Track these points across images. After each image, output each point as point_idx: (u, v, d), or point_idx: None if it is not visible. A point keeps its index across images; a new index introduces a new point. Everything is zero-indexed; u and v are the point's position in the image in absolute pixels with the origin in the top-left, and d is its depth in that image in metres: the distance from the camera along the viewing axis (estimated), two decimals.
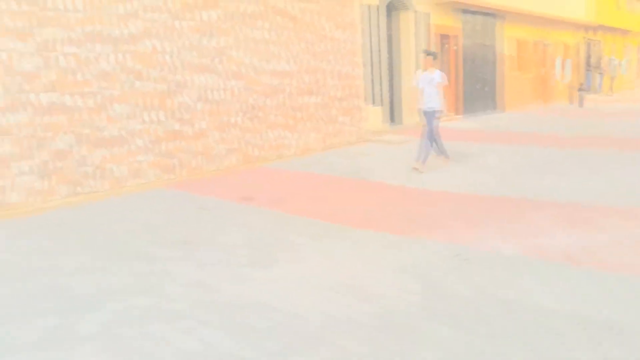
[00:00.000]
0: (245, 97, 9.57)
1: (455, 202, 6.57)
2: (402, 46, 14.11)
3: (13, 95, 6.63)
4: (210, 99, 8.99)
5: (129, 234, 5.64)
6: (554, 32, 21.59)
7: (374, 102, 12.83)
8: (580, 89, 20.98)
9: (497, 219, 5.75)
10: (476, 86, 17.06)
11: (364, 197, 7.08)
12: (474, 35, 16.61)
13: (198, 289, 4.16)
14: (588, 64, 24.81)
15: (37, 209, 6.77)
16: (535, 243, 4.93)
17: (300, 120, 10.79)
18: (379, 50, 12.78)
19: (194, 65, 8.67)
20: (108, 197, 7.38)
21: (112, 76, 7.59)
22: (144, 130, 8.04)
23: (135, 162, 7.96)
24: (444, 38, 15.38)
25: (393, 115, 14.06)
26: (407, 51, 14.12)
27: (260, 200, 7.02)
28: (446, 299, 3.79)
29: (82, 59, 7.27)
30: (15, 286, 4.35)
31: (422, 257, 4.66)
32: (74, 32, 7.16)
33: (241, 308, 3.78)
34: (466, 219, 5.78)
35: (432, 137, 8.84)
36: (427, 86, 8.76)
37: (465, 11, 15.98)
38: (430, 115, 8.78)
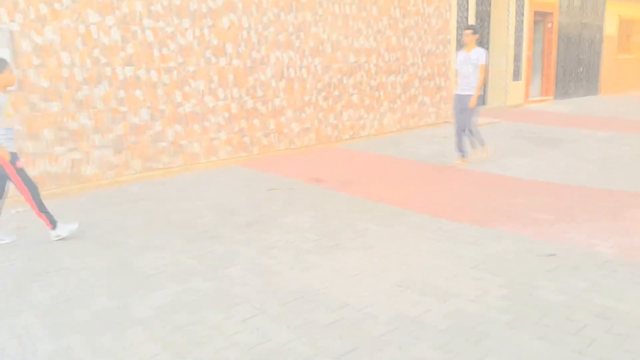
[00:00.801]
0: (322, 75, 9.26)
1: (545, 192, 5.93)
2: (492, 22, 13.18)
3: (92, 68, 6.72)
4: (287, 76, 8.76)
5: (196, 212, 5.54)
6: None
7: None
8: None
9: (594, 214, 5.09)
10: (570, 67, 15.72)
11: (441, 183, 6.58)
12: (571, 12, 15.25)
13: (260, 274, 3.93)
14: None
15: (111, 183, 6.87)
16: (638, 243, 4.28)
17: (378, 99, 10.34)
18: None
19: (271, 41, 8.46)
20: (181, 174, 7.38)
21: (189, 51, 7.52)
22: (218, 107, 7.95)
23: (209, 139, 7.91)
24: (538, 15, 14.21)
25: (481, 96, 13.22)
26: (498, 27, 13.17)
27: (330, 182, 6.72)
28: (532, 303, 3.31)
29: (161, 33, 7.24)
30: (77, 262, 4.34)
31: (505, 253, 4.16)
32: (154, 5, 7.13)
33: (303, 298, 3.51)
34: (558, 212, 5.16)
35: (463, 127, 7.56)
36: (463, 67, 7.38)
37: None
38: (464, 101, 7.39)
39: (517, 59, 13.58)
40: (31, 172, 6.32)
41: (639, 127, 10.73)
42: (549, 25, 14.56)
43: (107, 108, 6.86)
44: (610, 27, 16.82)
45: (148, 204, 5.92)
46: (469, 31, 7.38)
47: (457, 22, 11.71)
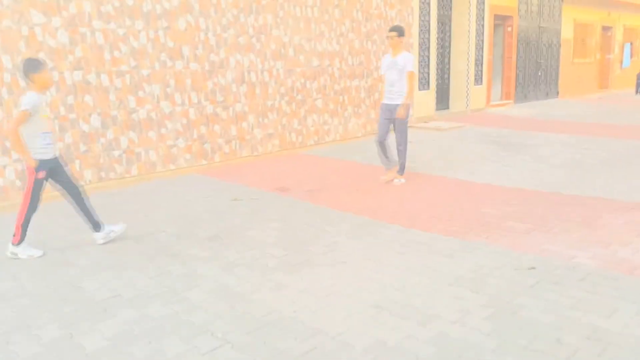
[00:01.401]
0: (285, 79, 8.96)
1: (518, 200, 5.80)
2: (453, 26, 13.18)
3: None
4: (248, 80, 8.42)
5: (154, 226, 5.14)
6: (615, 14, 20.05)
7: (421, 87, 12.00)
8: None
9: (568, 222, 4.97)
10: (529, 71, 15.93)
11: (411, 191, 6.38)
12: (529, 16, 15.46)
13: (224, 297, 3.60)
14: None
15: (58, 196, 6.36)
16: (618, 254, 4.15)
17: (342, 104, 10.11)
18: (429, 31, 11.90)
19: (231, 44, 8.10)
20: (136, 184, 6.93)
21: (143, 54, 7.09)
22: (175, 112, 7.54)
23: (166, 146, 7.48)
24: (498, 19, 14.32)
25: (440, 100, 13.18)
26: (459, 32, 13.18)
27: (297, 191, 6.42)
28: (518, 325, 3.10)
29: (112, 35, 6.79)
30: (18, 287, 3.89)
31: (483, 267, 3.96)
32: (104, 6, 6.68)
33: (272, 325, 3.20)
34: (533, 221, 5.02)
35: (405, 142, 6.73)
36: (388, 73, 6.57)
37: None
38: (392, 111, 6.57)
39: (478, 63, 13.64)
40: None
41: (600, 131, 10.87)
42: (509, 29, 14.71)
43: (55, 115, 6.37)
44: (566, 31, 17.15)
45: (102, 218, 5.46)
46: (394, 33, 6.52)
47: (420, 26, 11.62)
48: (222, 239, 4.77)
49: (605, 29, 19.67)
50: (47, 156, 4.45)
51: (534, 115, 13.46)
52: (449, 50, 13.25)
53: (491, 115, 13.40)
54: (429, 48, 12.00)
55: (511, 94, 15.18)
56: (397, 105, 6.51)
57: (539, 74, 16.22)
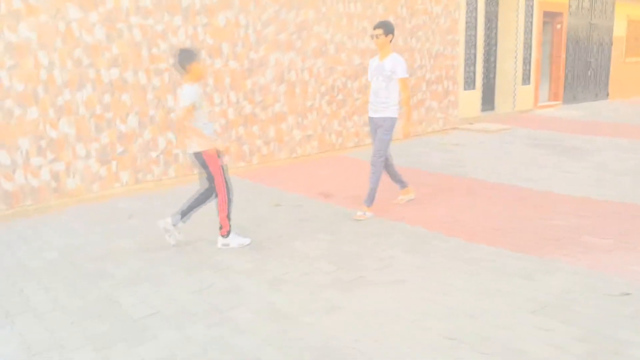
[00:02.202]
0: (325, 78, 8.56)
1: (587, 211, 5.26)
2: (500, 23, 12.56)
3: (74, 71, 5.97)
4: (287, 79, 8.05)
5: (194, 233, 4.80)
6: None
7: (467, 86, 11.45)
8: None
9: None
10: (579, 71, 15.14)
11: (464, 197, 5.89)
12: (580, 12, 14.68)
13: (273, 318, 3.21)
14: None
15: (97, 197, 6.11)
16: None
17: None
18: (476, 27, 11.33)
19: (271, 41, 7.75)
20: (173, 187, 6.63)
21: None
22: (214, 112, 7.22)
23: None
24: (547, 16, 13.62)
25: (486, 101, 12.57)
26: (507, 29, 12.55)
27: (340, 196, 6.01)
28: None
29: (150, 31, 6.51)
30: (49, 300, 3.59)
31: (568, 292, 3.46)
32: (142, 0, 6.40)
33: (331, 356, 2.79)
34: (612, 237, 4.48)
35: (379, 162, 5.28)
36: (374, 80, 5.32)
37: None
38: (379, 126, 5.28)
39: (525, 62, 12.98)
40: (7, 186, 5.56)
41: None
42: (558, 26, 13.98)
43: (91, 114, 6.12)
44: (619, 29, 16.28)
45: (139, 223, 5.17)
46: (379, 30, 5.20)
47: (466, 22, 11.06)
48: (265, 250, 4.39)
49: None
50: (213, 136, 4.46)
51: (585, 118, 12.72)
52: (495, 49, 12.63)
53: (539, 117, 12.72)
54: (475, 45, 11.43)
55: (560, 94, 14.44)
56: (382, 118, 5.23)
57: (589, 74, 15.41)
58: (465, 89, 11.35)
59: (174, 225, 4.48)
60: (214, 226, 5.05)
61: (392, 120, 5.25)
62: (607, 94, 16.41)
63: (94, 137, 6.17)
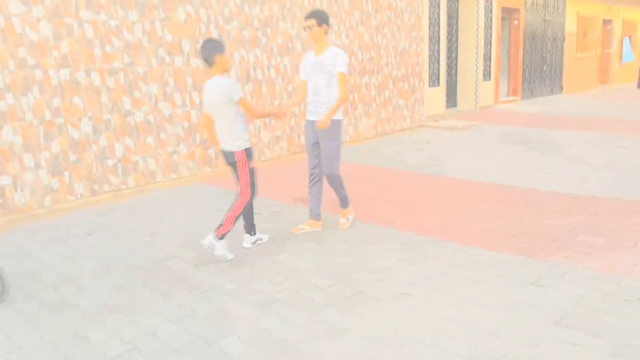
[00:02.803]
0: (292, 76, 8.17)
1: (576, 208, 5.09)
2: (460, 19, 12.50)
3: (17, 72, 5.34)
4: (253, 77, 7.61)
5: (163, 249, 4.31)
6: (614, 7, 19.60)
7: (432, 83, 11.30)
8: None
9: None
10: (535, 66, 15.35)
11: (448, 198, 5.64)
12: (535, 8, 14.86)
13: (270, 348, 2.80)
14: None
15: (49, 212, 5.50)
16: None
17: (352, 102, 9.35)
18: (439, 24, 11.20)
19: (235, 38, 7.29)
20: (134, 197, 6.08)
21: (138, 49, 6.25)
22: (176, 115, 6.70)
23: (166, 153, 6.64)
24: (504, 11, 13.69)
25: (449, 97, 12.49)
26: (467, 25, 12.51)
27: None
28: None
29: (103, 28, 5.94)
30: (11, 338, 3.05)
31: (583, 298, 3.22)
32: None
33: None
34: (608, 234, 4.30)
35: (335, 176, 4.63)
36: (312, 77, 4.52)
37: None
38: (322, 131, 4.47)
39: (486, 58, 12.98)
40: None
41: (624, 128, 10.26)
42: (515, 22, 14.09)
43: (39, 120, 5.50)
44: (570, 25, 16.61)
45: (100, 241, 4.63)
46: (311, 21, 4.38)
47: (429, 18, 10.91)
48: (248, 265, 3.97)
49: (606, 22, 19.22)
50: (249, 143, 4.19)
51: (546, 112, 12.84)
52: (456, 45, 12.56)
53: (502, 113, 12.74)
54: (438, 42, 11.30)
55: (518, 90, 14.57)
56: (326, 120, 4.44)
57: (545, 69, 15.64)
58: (430, 86, 11.19)
59: (253, 244, 4.40)
60: (187, 241, 4.57)
61: (338, 123, 4.49)
62: (562, 88, 16.72)
63: (44, 146, 5.56)
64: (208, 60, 3.96)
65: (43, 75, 5.51)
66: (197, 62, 6.85)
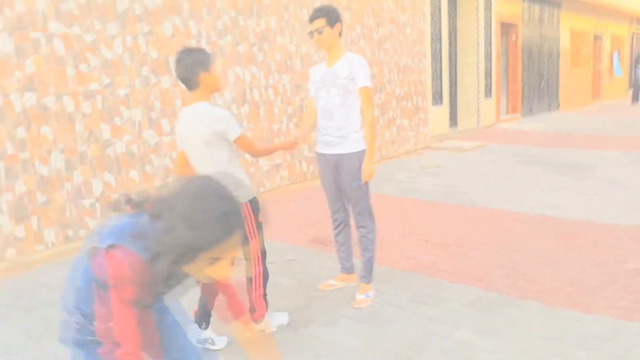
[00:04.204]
0: (292, 97, 7.30)
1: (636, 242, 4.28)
2: (460, 35, 11.85)
3: None
4: (250, 99, 6.71)
5: None
6: (604, 23, 19.34)
7: (435, 102, 10.56)
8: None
9: None
10: (533, 82, 14.81)
11: (494, 235, 4.78)
12: (532, 24, 14.37)
13: None
14: (637, 59, 22.61)
15: (12, 267, 4.46)
16: None
17: None
18: (440, 39, 10.51)
19: (229, 54, 6.40)
20: None
21: (119, 68, 5.31)
22: (163, 144, 5.75)
23: (153, 189, 5.65)
24: (502, 27, 13.13)
25: (450, 117, 11.77)
26: (466, 40, 11.86)
27: None
28: None
29: (76, 43, 4.99)
30: None
31: None
32: (63, 3, 4.89)
33: None
34: None
35: (369, 223, 3.57)
36: (326, 94, 3.43)
37: None
38: (339, 168, 3.47)
39: (487, 75, 12.35)
40: None
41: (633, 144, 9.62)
42: (513, 37, 13.54)
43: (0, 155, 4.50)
44: (564, 40, 16.19)
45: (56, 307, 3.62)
46: (320, 21, 3.32)
47: (431, 33, 10.21)
48: (276, 341, 3.01)
49: (596, 37, 18.94)
50: (252, 190, 3.10)
51: (552, 130, 12.20)
52: (455, 62, 11.90)
53: (507, 132, 12.06)
54: (441, 58, 10.59)
55: (518, 107, 13.96)
56: (344, 156, 3.39)
57: (542, 85, 15.11)
58: (433, 105, 10.45)
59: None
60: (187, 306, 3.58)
61: (362, 155, 3.40)
62: (558, 105, 16.23)
63: (5, 186, 4.54)
64: (188, 81, 2.75)
65: (3, 100, 4.52)
66: None
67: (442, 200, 6.17)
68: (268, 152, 3.34)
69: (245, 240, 2.90)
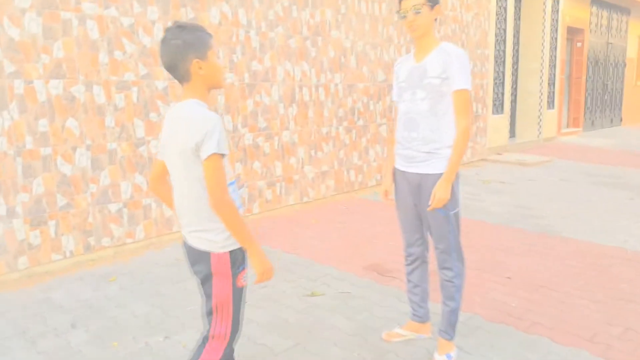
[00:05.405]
0: (344, 98, 6.59)
1: None
2: (523, 39, 10.93)
3: None
4: (299, 98, 6.04)
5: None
6: None
7: (495, 110, 9.69)
8: None
9: None
10: (597, 94, 13.72)
11: (579, 275, 3.97)
12: (599, 30, 13.30)
13: None
14: None
15: (26, 277, 3.88)
16: None
17: None
18: (505, 41, 9.63)
19: (279, 48, 5.74)
20: (141, 254, 4.46)
21: (157, 57, 4.70)
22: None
23: None
24: (569, 32, 12.13)
25: (511, 127, 10.86)
26: (530, 45, 10.93)
27: (402, 270, 3.97)
28: None
29: (111, 26, 4.40)
30: None
31: None
32: None
33: None
34: None
35: (457, 264, 2.77)
36: (411, 96, 2.70)
37: (594, 1, 12.68)
38: (421, 188, 2.72)
39: (550, 83, 11.37)
40: None
41: None
42: (579, 44, 12.50)
43: (17, 150, 3.93)
44: (631, 49, 15.01)
45: (87, 338, 2.99)
46: (430, 4, 2.61)
47: (496, 35, 9.34)
48: None
49: None
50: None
51: (620, 147, 11.14)
52: (517, 67, 10.97)
53: (570, 146, 11.07)
54: (504, 63, 9.72)
55: (579, 120, 12.91)
56: (430, 176, 2.67)
57: (606, 97, 14.00)
58: (493, 114, 9.58)
59: None
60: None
61: (456, 179, 2.71)
62: (621, 120, 15.06)
63: (21, 185, 3.97)
64: (175, 70, 1.93)
65: (25, 87, 3.96)
66: (231, 78, 5.30)
67: (516, 224, 5.35)
68: (235, 220, 1.89)
69: (209, 313, 1.99)
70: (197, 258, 1.97)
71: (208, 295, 1.98)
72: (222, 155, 1.84)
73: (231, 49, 5.28)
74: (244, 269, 1.98)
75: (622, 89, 14.83)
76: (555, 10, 11.11)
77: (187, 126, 1.86)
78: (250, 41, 5.44)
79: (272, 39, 5.65)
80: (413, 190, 2.77)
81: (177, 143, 1.90)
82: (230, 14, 5.26)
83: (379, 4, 6.89)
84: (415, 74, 2.69)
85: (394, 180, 2.91)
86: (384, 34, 7.04)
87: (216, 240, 1.92)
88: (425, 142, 2.66)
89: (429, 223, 2.77)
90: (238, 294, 1.97)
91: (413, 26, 2.62)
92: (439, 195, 2.61)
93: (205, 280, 1.97)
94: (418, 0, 2.58)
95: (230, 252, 1.93)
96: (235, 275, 1.95)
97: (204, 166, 1.85)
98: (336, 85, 6.46)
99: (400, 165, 2.81)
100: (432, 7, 2.62)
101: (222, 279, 1.94)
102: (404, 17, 2.64)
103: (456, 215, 2.73)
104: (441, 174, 2.65)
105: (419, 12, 2.59)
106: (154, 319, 3.26)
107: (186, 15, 4.89)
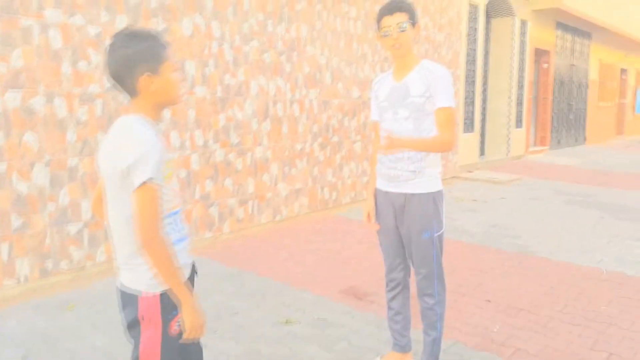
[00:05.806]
0: (319, 114, 6.46)
1: None
2: (492, 59, 11.07)
3: None
4: (273, 114, 5.87)
5: None
6: (630, 56, 18.66)
7: (466, 129, 9.74)
8: None
9: None
10: (562, 113, 14.03)
11: (558, 298, 3.91)
12: (563, 52, 13.64)
13: None
14: None
15: None
16: None
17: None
18: (475, 61, 9.72)
19: (253, 62, 5.57)
20: (101, 278, 4.17)
21: None
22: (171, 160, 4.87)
23: None
24: (536, 53, 12.38)
25: (480, 145, 10.95)
26: (499, 65, 11.08)
27: (379, 294, 3.82)
28: None
29: (77, 35, 4.16)
30: None
31: None
32: None
33: None
34: None
35: (439, 290, 2.69)
36: (393, 116, 2.61)
37: (558, 25, 13.01)
38: (400, 210, 2.63)
39: (518, 103, 11.55)
40: None
41: None
42: (545, 65, 12.77)
43: None
44: (593, 72, 15.47)
45: (55, 358, 2.72)
46: (402, 15, 2.48)
47: (467, 55, 9.42)
48: None
49: (622, 71, 18.24)
50: (186, 264, 1.79)
51: (586, 165, 11.36)
52: (486, 87, 11.10)
53: (538, 165, 11.21)
54: (474, 82, 9.79)
55: (546, 139, 13.14)
56: (414, 196, 2.57)
57: (571, 117, 14.33)
58: (464, 132, 9.62)
59: None
60: None
61: (438, 196, 2.62)
62: (585, 139, 15.44)
63: None
64: (122, 82, 1.68)
65: None
66: (202, 92, 5.10)
67: (492, 244, 5.29)
68: (167, 264, 1.61)
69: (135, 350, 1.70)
70: (126, 300, 1.69)
71: (135, 344, 1.70)
72: (158, 185, 1.59)
73: (203, 61, 5.09)
74: (177, 314, 1.67)
75: (585, 109, 15.22)
76: (523, 32, 11.32)
77: (120, 145, 1.62)
78: (223, 54, 5.26)
79: (246, 52, 5.49)
80: (396, 212, 2.64)
81: (108, 163, 1.65)
82: (204, 25, 5.08)
83: (354, 21, 6.83)
84: (395, 94, 2.60)
85: (376, 201, 2.77)
86: (358, 51, 6.97)
87: (144, 280, 1.65)
88: (412, 161, 2.56)
89: (411, 247, 2.64)
90: (168, 345, 1.68)
91: (396, 46, 2.52)
92: (392, 141, 2.48)
93: (131, 326, 1.69)
94: (403, 18, 2.49)
95: (161, 294, 1.65)
96: (166, 322, 1.67)
97: (134, 197, 1.57)
98: (311, 101, 6.33)
99: (383, 186, 2.69)
100: (414, 25, 2.54)
101: (150, 327, 1.66)
102: (387, 35, 2.53)
103: (440, 237, 2.63)
104: (427, 193, 2.56)
105: (404, 30, 2.50)
106: (115, 351, 3.00)
107: (157, 25, 4.68)
